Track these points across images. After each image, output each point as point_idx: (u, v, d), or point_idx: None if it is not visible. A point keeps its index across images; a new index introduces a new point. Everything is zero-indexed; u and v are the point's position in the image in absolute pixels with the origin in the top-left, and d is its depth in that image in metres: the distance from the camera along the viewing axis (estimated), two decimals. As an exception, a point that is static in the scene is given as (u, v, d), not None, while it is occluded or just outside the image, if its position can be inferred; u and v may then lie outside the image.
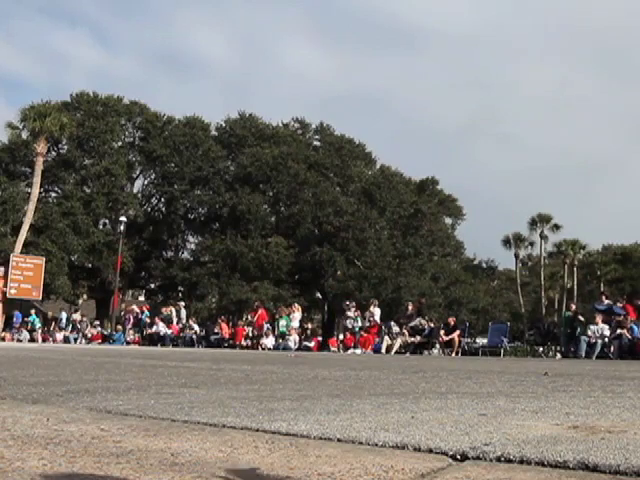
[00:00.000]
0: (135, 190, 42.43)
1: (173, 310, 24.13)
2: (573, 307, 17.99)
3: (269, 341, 20.26)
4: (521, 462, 1.37)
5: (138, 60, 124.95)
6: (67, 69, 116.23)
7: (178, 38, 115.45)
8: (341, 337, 21.07)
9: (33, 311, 29.59)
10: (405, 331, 18.54)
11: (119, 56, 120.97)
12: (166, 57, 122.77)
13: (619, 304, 16.72)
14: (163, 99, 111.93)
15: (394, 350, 17.63)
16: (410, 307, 20.10)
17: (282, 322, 21.17)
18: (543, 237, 48.45)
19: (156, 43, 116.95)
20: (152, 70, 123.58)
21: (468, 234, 61.06)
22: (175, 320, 23.56)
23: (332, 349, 20.40)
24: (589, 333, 15.91)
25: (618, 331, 15.48)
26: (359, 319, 20.09)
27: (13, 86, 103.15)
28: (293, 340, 20.09)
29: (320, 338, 23.55)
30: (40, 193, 34.23)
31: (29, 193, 33.26)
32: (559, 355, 17.15)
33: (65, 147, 40.11)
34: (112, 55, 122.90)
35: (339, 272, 39.40)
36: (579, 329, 16.50)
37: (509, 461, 1.38)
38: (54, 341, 25.33)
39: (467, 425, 1.82)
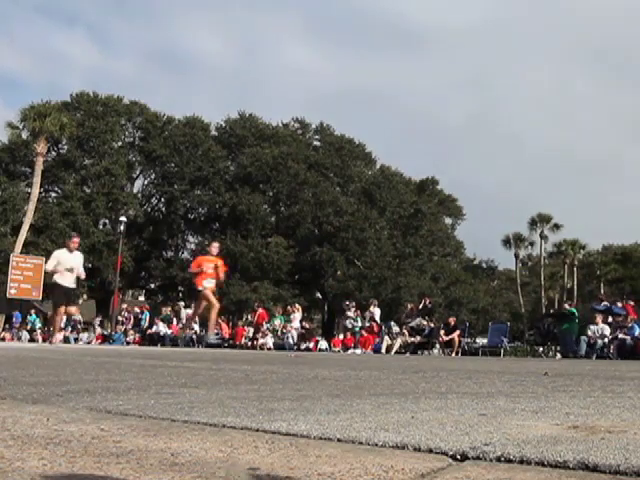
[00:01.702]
0: (135, 190, 42.50)
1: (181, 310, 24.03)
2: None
3: (269, 341, 20.28)
4: (521, 462, 1.37)
5: (137, 60, 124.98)
6: (66, 69, 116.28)
7: (177, 38, 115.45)
8: (341, 337, 21.07)
9: (33, 311, 29.61)
10: (405, 331, 18.55)
11: (118, 56, 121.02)
12: (165, 57, 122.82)
13: (619, 304, 16.67)
14: (163, 99, 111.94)
15: (394, 350, 17.64)
16: (410, 307, 20.15)
17: (277, 322, 21.20)
18: (543, 237, 48.50)
19: (155, 43, 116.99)
20: (151, 70, 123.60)
21: (468, 234, 61.07)
22: (176, 320, 23.49)
23: (334, 349, 20.42)
24: (589, 333, 15.91)
25: (617, 332, 15.50)
26: (359, 319, 20.10)
27: (12, 86, 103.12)
28: (292, 339, 20.12)
29: (320, 338, 23.55)
30: (40, 193, 34.27)
31: (29, 193, 33.29)
32: (559, 355, 17.16)
33: (65, 147, 40.15)
34: (111, 55, 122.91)
35: (339, 272, 39.43)
36: (569, 324, 16.59)
37: (509, 461, 1.38)
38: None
39: (467, 425, 1.82)
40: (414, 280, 39.21)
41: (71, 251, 12.18)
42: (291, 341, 20.03)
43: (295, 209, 40.05)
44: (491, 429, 1.74)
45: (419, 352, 17.72)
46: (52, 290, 12.68)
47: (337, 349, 19.99)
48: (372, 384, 3.53)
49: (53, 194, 40.70)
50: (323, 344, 20.57)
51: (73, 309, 12.64)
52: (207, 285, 12.20)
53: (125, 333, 23.55)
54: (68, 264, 11.86)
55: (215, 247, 12.93)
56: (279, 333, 20.77)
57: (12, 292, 27.64)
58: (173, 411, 2.12)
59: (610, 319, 16.23)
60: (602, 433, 1.68)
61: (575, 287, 48.13)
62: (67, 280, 11.90)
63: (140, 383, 3.35)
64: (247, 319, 24.50)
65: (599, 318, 16.03)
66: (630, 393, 2.93)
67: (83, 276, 12.58)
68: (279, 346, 19.85)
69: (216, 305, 12.68)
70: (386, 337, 18.50)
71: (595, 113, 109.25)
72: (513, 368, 5.96)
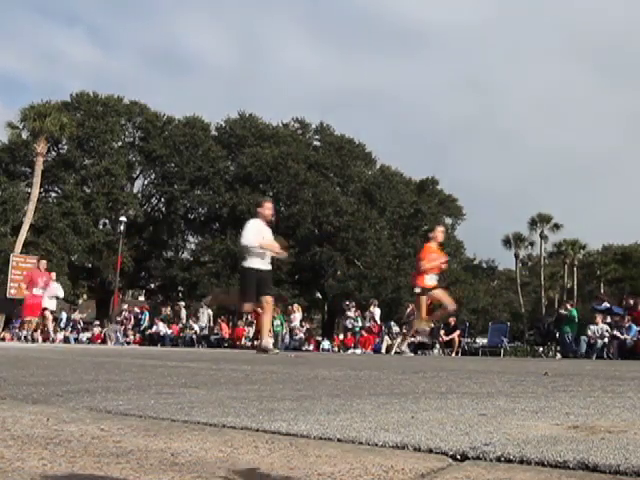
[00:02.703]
0: (135, 190, 42.55)
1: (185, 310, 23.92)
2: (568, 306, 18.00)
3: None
4: (521, 462, 1.37)
5: (137, 60, 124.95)
6: (66, 69, 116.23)
7: (177, 38, 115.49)
8: (341, 337, 21.08)
9: (33, 311, 29.56)
10: (405, 331, 18.55)
11: (118, 56, 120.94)
12: (165, 57, 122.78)
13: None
14: (163, 99, 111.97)
15: (394, 350, 17.65)
16: (410, 307, 20.15)
17: (276, 322, 21.23)
18: (543, 237, 48.55)
19: (155, 43, 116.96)
20: (152, 70, 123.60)
21: (468, 234, 61.07)
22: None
23: (334, 349, 20.44)
24: (589, 333, 15.93)
25: (614, 331, 15.52)
26: (359, 319, 20.10)
27: (12, 86, 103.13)
28: (295, 340, 20.16)
29: (320, 338, 23.56)
30: (40, 193, 34.29)
31: (29, 193, 33.31)
32: (559, 355, 17.17)
33: (65, 147, 40.19)
34: (111, 55, 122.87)
35: (339, 272, 39.44)
36: (569, 324, 16.62)
37: (509, 461, 1.38)
38: (54, 341, 25.34)
39: (467, 425, 1.82)
40: (414, 280, 39.16)
41: (267, 221, 9.36)
42: (296, 341, 20.05)
43: (295, 209, 40.05)
44: (491, 429, 1.74)
45: (419, 352, 17.72)
46: (243, 276, 9.42)
47: (335, 348, 20.03)
48: (372, 384, 3.53)
49: (53, 194, 40.75)
50: (326, 344, 20.59)
51: (269, 300, 9.15)
52: (431, 282, 9.90)
53: (125, 333, 23.55)
54: (269, 239, 9.16)
55: (441, 232, 10.43)
56: (282, 334, 20.78)
57: (12, 292, 27.65)
58: (173, 411, 2.12)
59: (609, 319, 16.23)
60: (602, 433, 1.68)
61: (575, 287, 48.16)
62: (262, 262, 8.97)
63: (140, 383, 3.35)
64: (247, 319, 24.48)
65: (599, 318, 16.04)
66: (630, 393, 2.93)
67: (282, 252, 9.51)
68: (279, 347, 19.85)
69: (451, 305, 10.23)
70: (386, 337, 18.51)
71: (595, 113, 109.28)
72: (513, 368, 5.96)
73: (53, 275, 17.56)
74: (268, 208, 9.41)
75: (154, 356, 8.16)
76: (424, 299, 9.93)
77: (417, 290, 9.89)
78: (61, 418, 1.98)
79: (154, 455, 1.45)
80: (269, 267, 9.12)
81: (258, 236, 8.99)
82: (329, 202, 39.21)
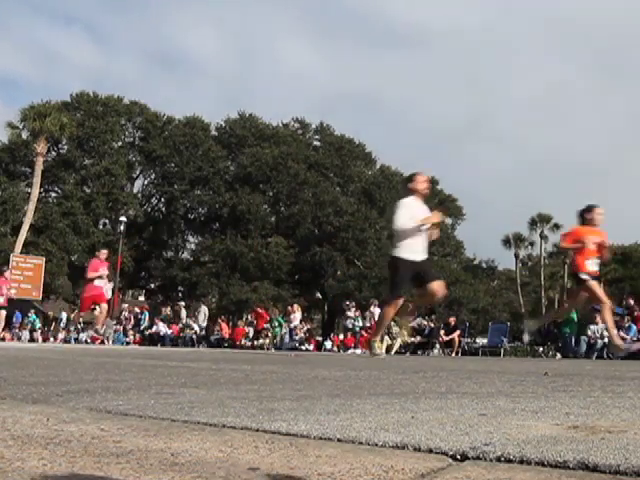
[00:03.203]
0: (135, 190, 42.57)
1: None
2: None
3: (269, 341, 20.32)
4: (521, 462, 1.36)
5: (137, 60, 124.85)
6: (66, 69, 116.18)
7: (177, 37, 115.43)
8: (341, 337, 21.08)
9: (33, 311, 29.61)
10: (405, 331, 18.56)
11: (118, 56, 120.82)
12: (165, 57, 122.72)
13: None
14: (163, 99, 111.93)
15: (394, 350, 17.65)
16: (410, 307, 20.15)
17: (276, 323, 21.27)
18: (543, 237, 48.48)
19: (155, 43, 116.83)
20: (151, 70, 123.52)
21: (468, 234, 61.04)
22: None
23: (334, 349, 20.44)
24: (589, 333, 15.93)
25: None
26: (359, 319, 20.10)
27: (12, 86, 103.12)
28: (293, 339, 20.15)
29: (320, 338, 23.57)
30: (40, 193, 34.32)
31: (29, 193, 33.34)
32: (559, 355, 17.16)
33: (65, 147, 40.21)
34: (111, 55, 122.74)
35: (339, 272, 39.44)
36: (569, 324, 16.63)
37: (509, 461, 1.38)
38: (55, 340, 25.36)
39: (467, 425, 1.82)
40: (414, 280, 39.15)
41: (423, 198, 7.89)
42: (296, 341, 20.06)
43: (295, 209, 40.06)
44: (491, 429, 1.74)
45: (419, 352, 17.73)
46: (395, 268, 7.57)
47: (335, 348, 20.03)
48: (372, 384, 3.53)
49: (53, 194, 40.78)
50: (328, 344, 20.62)
51: (439, 289, 7.46)
52: (591, 269, 8.23)
53: (125, 333, 23.55)
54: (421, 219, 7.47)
55: (600, 214, 8.35)
56: (280, 334, 20.80)
57: (12, 292, 27.64)
58: (173, 411, 2.12)
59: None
60: (602, 433, 1.68)
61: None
62: (417, 250, 7.53)
63: (140, 383, 3.35)
64: (247, 319, 24.51)
65: (599, 318, 16.03)
66: (630, 393, 2.93)
67: (435, 235, 7.86)
68: (279, 346, 19.88)
69: (607, 303, 8.41)
70: (386, 337, 18.50)
71: (595, 113, 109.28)
72: (513, 368, 5.96)
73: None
74: (422, 182, 7.91)
75: (154, 356, 8.16)
76: (595, 284, 8.24)
77: (583, 276, 8.23)
78: (61, 418, 1.97)
79: (154, 455, 1.45)
80: (425, 255, 7.64)
81: (412, 217, 7.55)
82: (329, 202, 39.22)
